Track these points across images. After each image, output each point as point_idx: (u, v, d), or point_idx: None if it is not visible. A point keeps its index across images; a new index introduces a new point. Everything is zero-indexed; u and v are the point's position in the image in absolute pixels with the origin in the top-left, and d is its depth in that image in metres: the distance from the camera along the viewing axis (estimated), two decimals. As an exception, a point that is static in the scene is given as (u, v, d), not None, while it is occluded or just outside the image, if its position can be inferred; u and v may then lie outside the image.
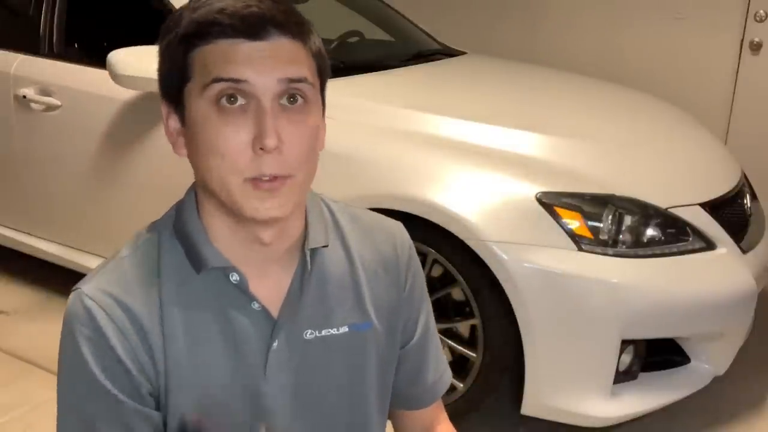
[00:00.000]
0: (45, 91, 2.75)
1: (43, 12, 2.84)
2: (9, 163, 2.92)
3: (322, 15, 3.31)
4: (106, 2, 3.01)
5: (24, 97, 2.77)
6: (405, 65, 2.93)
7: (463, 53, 3.22)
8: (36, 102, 2.76)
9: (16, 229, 3.03)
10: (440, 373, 1.16)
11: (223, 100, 0.86)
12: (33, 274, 3.12)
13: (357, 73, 2.64)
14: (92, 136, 2.66)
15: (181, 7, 0.92)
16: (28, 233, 2.99)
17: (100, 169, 2.69)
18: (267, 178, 0.87)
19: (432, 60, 3.04)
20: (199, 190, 0.95)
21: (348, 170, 2.17)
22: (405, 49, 3.22)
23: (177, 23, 0.90)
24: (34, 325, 2.77)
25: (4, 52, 2.90)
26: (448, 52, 3.20)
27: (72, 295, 0.94)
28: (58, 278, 2.91)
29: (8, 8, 3.15)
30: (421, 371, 1.13)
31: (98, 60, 2.49)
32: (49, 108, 2.74)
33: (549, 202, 2.01)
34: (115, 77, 2.36)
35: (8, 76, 2.82)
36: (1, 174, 2.97)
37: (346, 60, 2.89)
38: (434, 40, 3.35)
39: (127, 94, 2.51)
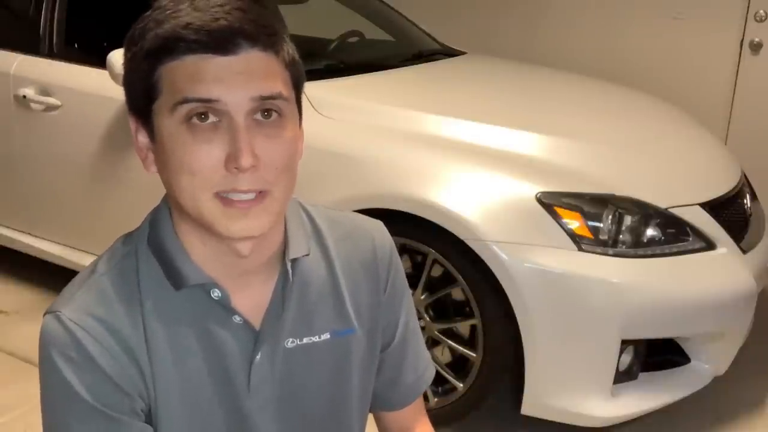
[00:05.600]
0: (45, 91, 2.75)
1: (43, 12, 2.84)
2: (9, 163, 2.92)
3: (322, 15, 3.32)
4: (106, 2, 3.01)
5: (24, 97, 2.77)
6: (405, 65, 2.92)
7: (463, 53, 3.22)
8: (36, 102, 2.76)
9: (16, 229, 3.03)
10: (420, 372, 1.14)
11: (194, 119, 0.83)
12: (33, 274, 3.12)
13: (357, 73, 2.64)
14: (92, 136, 2.66)
15: (146, 16, 0.87)
16: (28, 233, 2.99)
17: (100, 169, 2.69)
18: (241, 198, 0.84)
19: (432, 60, 3.04)
20: (172, 205, 0.92)
21: (348, 170, 2.17)
22: (405, 49, 3.21)
23: (142, 35, 0.86)
24: (34, 325, 2.74)
25: (4, 52, 2.90)
26: (448, 52, 3.20)
27: (48, 318, 0.90)
28: (58, 278, 2.90)
29: (8, 8, 3.14)
30: (400, 372, 1.12)
31: (98, 60, 2.49)
32: (49, 108, 2.74)
33: (549, 202, 2.01)
34: (115, 77, 2.36)
35: (8, 76, 2.82)
36: (1, 174, 2.97)
37: (346, 60, 2.89)
38: (434, 40, 3.35)
39: (127, 94, 2.50)
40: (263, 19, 0.85)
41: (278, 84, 0.85)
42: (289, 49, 0.89)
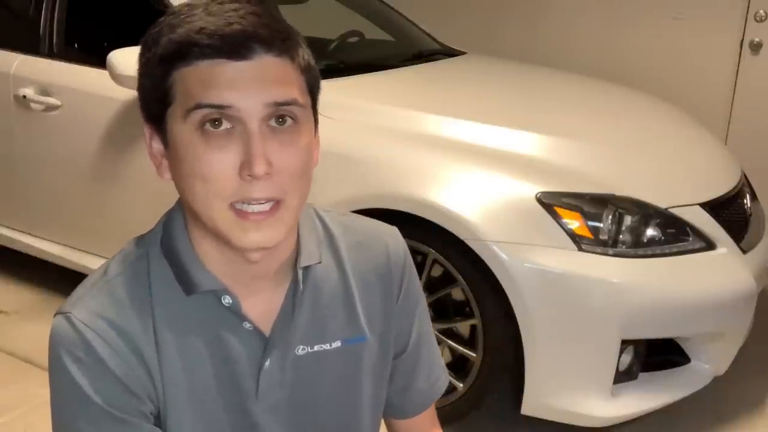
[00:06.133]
0: (45, 91, 2.75)
1: (43, 12, 2.84)
2: (9, 163, 2.92)
3: (322, 15, 3.32)
4: (106, 2, 3.01)
5: (24, 97, 2.77)
6: (405, 65, 2.92)
7: (463, 53, 3.22)
8: (36, 102, 2.76)
9: (16, 229, 3.03)
10: (433, 380, 1.13)
11: (207, 125, 0.82)
12: (33, 274, 3.12)
13: (357, 73, 2.64)
14: (92, 136, 2.66)
15: (161, 21, 0.86)
16: (28, 233, 2.99)
17: (100, 169, 2.69)
18: (254, 210, 0.83)
19: (432, 60, 3.04)
20: (186, 211, 0.92)
21: (348, 170, 2.17)
22: (405, 49, 3.21)
23: (156, 40, 0.85)
24: (34, 325, 2.77)
25: (4, 52, 2.90)
26: (448, 52, 3.20)
27: (58, 319, 0.90)
28: (58, 278, 2.91)
29: (8, 8, 3.15)
30: (413, 380, 1.11)
31: (98, 60, 2.49)
32: (49, 108, 2.74)
33: (549, 202, 2.01)
34: (115, 77, 2.36)
35: (8, 76, 2.82)
36: (1, 174, 2.97)
37: (346, 60, 2.89)
38: (434, 40, 3.35)
39: (127, 94, 2.51)
40: (278, 24, 0.84)
41: (293, 90, 0.84)
42: (305, 54, 0.88)
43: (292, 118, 0.84)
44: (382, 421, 1.13)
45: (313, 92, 0.90)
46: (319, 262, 0.96)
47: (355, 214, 1.09)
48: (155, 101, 0.86)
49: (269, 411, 0.96)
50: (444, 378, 1.15)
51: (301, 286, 0.94)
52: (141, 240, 0.96)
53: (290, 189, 0.85)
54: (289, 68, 0.84)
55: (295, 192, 0.86)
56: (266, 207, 0.84)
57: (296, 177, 0.85)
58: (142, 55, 0.88)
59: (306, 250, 0.95)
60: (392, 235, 1.06)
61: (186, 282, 0.91)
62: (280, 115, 0.83)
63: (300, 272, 0.94)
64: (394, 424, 1.16)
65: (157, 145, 0.90)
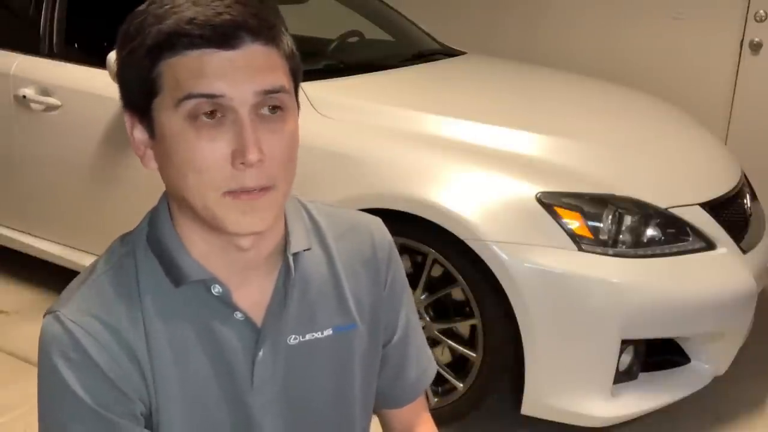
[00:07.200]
0: (45, 91, 2.75)
1: (43, 12, 2.84)
2: (9, 163, 2.92)
3: (322, 15, 3.32)
4: (106, 2, 3.01)
5: (24, 97, 2.77)
6: (405, 65, 2.92)
7: (463, 53, 3.22)
8: (36, 102, 2.76)
9: (16, 229, 3.03)
10: (423, 368, 1.14)
11: (202, 117, 0.83)
12: (33, 274, 3.12)
13: (357, 73, 2.64)
14: (92, 136, 2.66)
15: (142, 11, 0.85)
16: (28, 233, 2.99)
17: (100, 169, 2.69)
18: (248, 191, 0.84)
19: (432, 60, 3.04)
20: (172, 201, 0.92)
21: (348, 170, 2.17)
22: (405, 49, 3.21)
23: (140, 30, 0.84)
24: (34, 325, 2.74)
25: (4, 52, 2.90)
26: (448, 52, 3.20)
27: (48, 319, 0.90)
28: (58, 278, 2.90)
29: (8, 8, 3.15)
30: (403, 369, 1.11)
31: (98, 60, 2.49)
32: (49, 108, 2.74)
33: (549, 202, 2.01)
34: (115, 77, 2.35)
35: (8, 76, 2.82)
36: (1, 174, 2.97)
37: (346, 60, 2.89)
38: (434, 40, 3.35)
39: (127, 94, 2.50)
40: (263, 13, 0.85)
41: (280, 77, 0.86)
42: (288, 41, 0.89)
43: (280, 107, 0.86)
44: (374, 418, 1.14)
45: (296, 78, 0.91)
46: (309, 249, 0.97)
47: (338, 206, 1.09)
48: (140, 92, 0.86)
49: (264, 401, 0.96)
50: (432, 367, 1.16)
51: (293, 272, 0.95)
52: (127, 237, 0.97)
53: (280, 175, 0.86)
54: (275, 56, 0.86)
55: (284, 177, 0.88)
56: (256, 194, 0.85)
57: (285, 163, 0.87)
58: (123, 45, 0.87)
59: (295, 237, 0.96)
60: (377, 225, 1.07)
61: (174, 273, 0.91)
62: (270, 104, 0.85)
63: (290, 258, 0.94)
64: (387, 414, 1.16)
65: (140, 135, 0.90)
